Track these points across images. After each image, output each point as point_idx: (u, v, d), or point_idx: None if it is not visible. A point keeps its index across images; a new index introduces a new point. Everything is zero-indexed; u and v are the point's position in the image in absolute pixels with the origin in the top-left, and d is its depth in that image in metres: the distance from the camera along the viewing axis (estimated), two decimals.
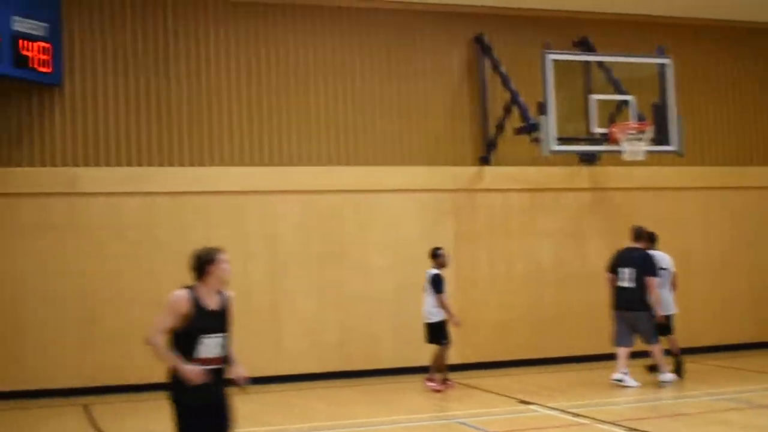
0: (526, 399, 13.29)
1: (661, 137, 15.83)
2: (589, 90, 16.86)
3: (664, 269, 14.77)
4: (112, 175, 15.49)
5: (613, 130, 15.63)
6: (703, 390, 13.86)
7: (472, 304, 16.62)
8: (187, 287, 7.36)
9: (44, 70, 14.73)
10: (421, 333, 14.68)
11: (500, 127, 16.99)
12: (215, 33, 16.23)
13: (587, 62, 17.27)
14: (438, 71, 17.39)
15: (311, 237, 16.32)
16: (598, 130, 15.73)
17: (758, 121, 19.42)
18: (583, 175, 17.86)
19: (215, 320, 7.32)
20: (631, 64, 16.67)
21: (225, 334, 7.39)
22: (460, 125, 17.43)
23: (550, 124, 15.14)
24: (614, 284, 14.53)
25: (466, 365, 16.20)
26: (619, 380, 14.10)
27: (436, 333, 14.50)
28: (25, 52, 14.39)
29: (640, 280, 14.23)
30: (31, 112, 15.33)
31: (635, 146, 15.48)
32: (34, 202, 15.17)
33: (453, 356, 15.19)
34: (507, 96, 16.72)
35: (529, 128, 15.85)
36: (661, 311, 14.47)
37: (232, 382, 7.48)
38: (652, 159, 16.59)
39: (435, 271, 14.56)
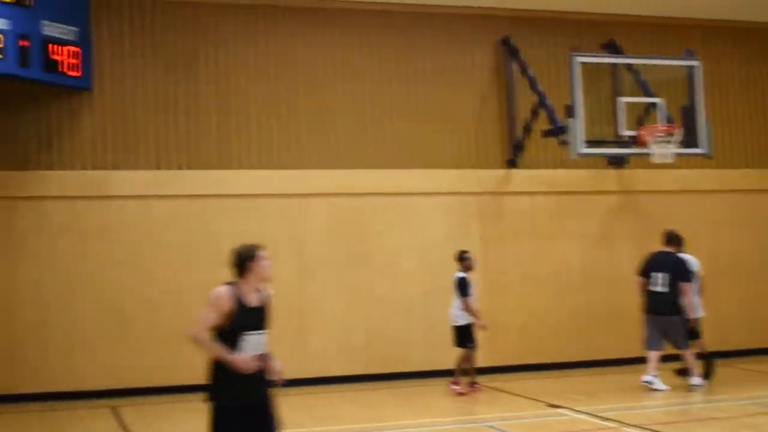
0: (555, 402, 13.25)
1: (689, 140, 15.75)
2: (617, 92, 16.78)
3: (692, 272, 14.69)
4: (141, 179, 15.56)
5: (642, 132, 15.57)
6: (732, 394, 13.77)
7: (499, 307, 16.58)
8: (229, 284, 7.34)
9: (74, 74, 14.82)
10: (448, 336, 14.66)
11: (528, 130, 16.96)
12: (243, 37, 16.27)
13: (615, 65, 17.20)
14: (465, 74, 17.37)
15: (338, 240, 16.34)
16: (627, 132, 15.65)
17: None
18: (611, 178, 17.79)
19: (257, 317, 7.32)
20: (660, 66, 16.60)
21: (266, 331, 7.39)
22: (488, 128, 17.40)
23: (578, 127, 15.08)
24: (646, 288, 14.44)
25: (493, 368, 16.15)
26: (649, 382, 14.03)
27: (462, 336, 14.48)
28: (54, 57, 14.49)
29: (673, 284, 14.15)
30: (60, 116, 15.43)
31: (664, 149, 15.41)
32: (64, 205, 15.26)
33: (480, 359, 15.16)
34: (534, 99, 16.67)
35: (557, 131, 15.80)
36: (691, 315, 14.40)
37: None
38: (681, 162, 16.51)
39: (461, 274, 14.53)
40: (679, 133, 15.53)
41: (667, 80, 16.64)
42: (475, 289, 14.60)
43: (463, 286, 14.40)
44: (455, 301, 14.48)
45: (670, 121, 15.92)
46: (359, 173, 16.54)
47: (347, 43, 16.80)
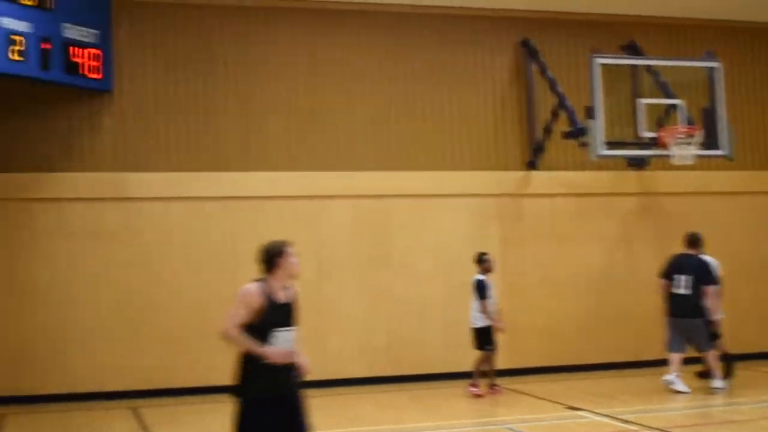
0: (575, 405, 13.20)
1: (710, 141, 15.70)
2: (637, 94, 16.75)
3: (715, 275, 14.62)
4: (161, 180, 15.61)
5: (662, 134, 15.53)
6: (753, 397, 13.71)
7: (519, 309, 16.53)
8: (257, 281, 7.36)
9: (94, 76, 14.88)
10: (468, 338, 14.63)
11: (547, 132, 16.92)
12: (263, 38, 16.31)
13: (635, 66, 17.16)
14: (485, 75, 17.35)
15: (358, 242, 16.34)
16: (647, 134, 15.61)
17: None
18: (632, 179, 17.74)
19: (286, 314, 7.35)
20: (680, 67, 16.55)
21: (295, 328, 7.42)
22: (508, 130, 17.37)
23: (598, 129, 15.05)
24: (668, 291, 14.37)
25: (513, 370, 16.11)
26: (669, 382, 13.97)
27: (481, 338, 14.45)
28: (75, 59, 14.56)
29: (696, 287, 14.09)
30: (80, 118, 15.50)
31: (684, 150, 15.36)
32: (83, 207, 15.32)
33: (500, 361, 15.13)
34: (554, 100, 16.64)
35: (577, 132, 15.76)
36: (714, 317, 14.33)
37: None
38: (701, 163, 16.45)
39: (479, 276, 14.51)
40: (699, 135, 15.48)
41: (688, 81, 16.60)
42: (494, 291, 14.58)
43: (481, 289, 14.38)
44: (474, 304, 14.47)
45: (690, 122, 15.88)
46: (379, 175, 16.54)
47: (369, 45, 16.80)
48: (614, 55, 16.62)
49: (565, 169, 17.37)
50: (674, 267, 14.43)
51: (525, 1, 17.19)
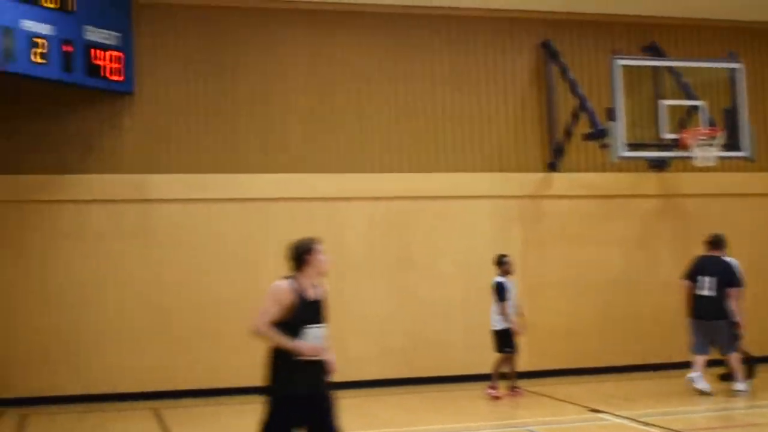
0: (596, 407, 13.15)
1: (732, 143, 15.62)
2: (658, 95, 16.66)
3: (739, 277, 14.54)
4: (182, 182, 15.65)
5: (684, 135, 15.46)
6: None
7: (540, 311, 16.47)
8: (287, 278, 7.39)
9: (116, 78, 14.96)
10: (488, 339, 14.61)
11: (568, 133, 16.89)
12: (282, 41, 16.34)
13: (656, 67, 17.09)
14: (505, 77, 17.33)
15: (379, 244, 16.35)
16: (668, 135, 15.54)
17: None
18: (653, 181, 17.68)
19: (316, 310, 7.39)
20: (702, 68, 16.48)
21: (324, 325, 7.44)
22: (528, 131, 17.35)
23: (619, 130, 15.01)
24: (692, 292, 14.29)
25: (534, 372, 16.08)
26: (692, 379, 13.90)
27: (501, 341, 14.43)
28: (97, 61, 14.64)
29: (720, 289, 14.02)
30: (101, 120, 15.57)
31: (706, 152, 15.29)
32: (104, 208, 15.39)
33: (522, 363, 15.10)
34: (575, 102, 16.61)
35: (598, 134, 15.71)
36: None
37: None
38: (723, 165, 16.36)
39: (499, 278, 14.48)
40: (721, 137, 15.40)
41: (709, 83, 16.53)
42: (514, 293, 14.54)
43: (500, 291, 14.35)
44: (494, 306, 14.44)
45: (712, 124, 15.81)
46: (401, 176, 16.54)
47: (389, 47, 16.82)
48: (635, 57, 16.59)
49: (586, 170, 17.33)
50: (698, 268, 14.35)
51: (545, 3, 17.16)
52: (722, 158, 15.66)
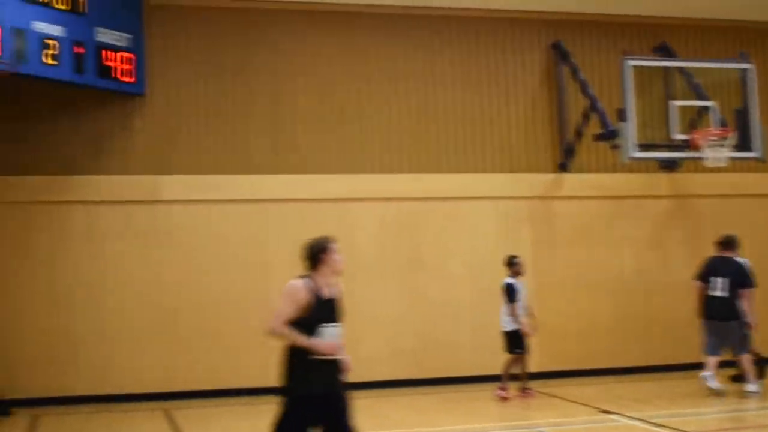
0: (607, 408, 13.13)
1: (742, 143, 15.59)
2: (669, 96, 16.62)
3: (752, 278, 14.50)
4: (193, 183, 15.67)
5: (695, 136, 15.43)
6: None
7: (551, 312, 16.45)
8: (303, 277, 7.41)
9: (127, 80, 14.99)
10: (499, 340, 14.60)
11: (579, 134, 16.87)
12: (295, 42, 16.35)
13: (667, 68, 17.05)
14: (516, 78, 17.32)
15: (389, 244, 16.35)
16: (679, 136, 15.51)
17: None
18: (664, 182, 17.65)
19: (331, 309, 7.41)
20: (712, 68, 16.45)
21: (340, 324, 7.46)
22: (539, 132, 17.34)
23: (630, 131, 14.99)
24: (704, 293, 14.26)
25: (545, 373, 16.07)
26: (705, 378, 13.87)
27: (510, 342, 14.41)
28: (108, 63, 14.67)
29: (733, 289, 13.98)
30: (113, 121, 15.61)
31: (717, 153, 15.26)
32: (116, 209, 15.42)
33: (533, 364, 15.08)
34: (585, 102, 16.59)
35: (609, 135, 15.69)
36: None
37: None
38: (734, 165, 16.33)
39: (509, 280, 14.46)
40: (732, 137, 15.37)
41: (720, 83, 16.49)
42: (525, 294, 14.53)
43: (510, 292, 14.33)
44: (504, 307, 14.43)
45: (723, 124, 15.78)
46: (410, 177, 16.54)
47: (400, 48, 16.82)
48: (646, 57, 16.57)
49: (597, 171, 17.31)
50: (710, 269, 14.31)
51: (556, 3, 17.15)
52: (733, 159, 15.63)
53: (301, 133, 16.26)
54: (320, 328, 7.24)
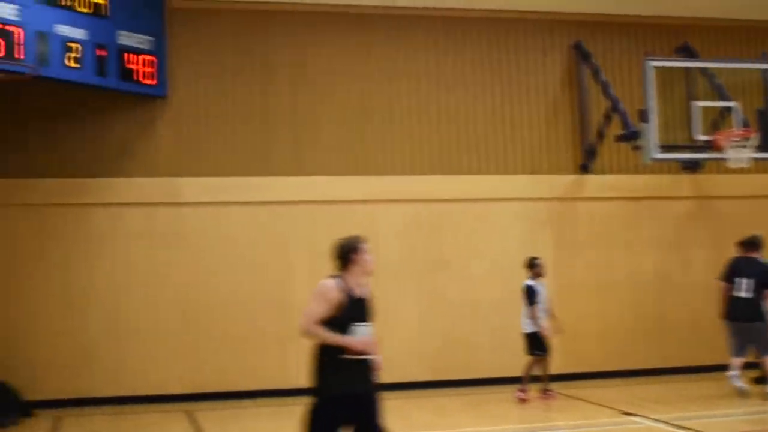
0: (629, 410, 13.10)
1: (765, 144, 15.50)
2: (691, 96, 16.57)
3: None
4: (215, 185, 15.71)
5: (717, 137, 15.36)
6: None
7: (572, 313, 16.38)
8: (334, 276, 7.43)
9: (149, 82, 15.05)
10: (520, 342, 14.57)
11: (600, 135, 16.83)
12: (316, 44, 16.36)
13: (689, 68, 17.00)
14: (537, 79, 17.29)
15: (412, 246, 16.34)
16: (701, 137, 15.45)
17: None
18: (686, 183, 17.59)
19: (362, 308, 7.43)
20: (735, 69, 16.38)
21: (371, 323, 7.48)
22: (560, 133, 17.31)
23: (652, 132, 14.94)
24: (728, 294, 14.19)
25: (567, 375, 16.02)
26: (731, 377, 13.82)
27: (531, 344, 14.39)
28: (130, 66, 14.74)
29: (758, 290, 13.91)
30: (135, 124, 15.66)
31: (740, 153, 15.20)
32: (138, 211, 15.47)
33: (555, 366, 15.03)
34: (607, 103, 16.55)
35: (631, 136, 15.63)
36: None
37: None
38: (756, 166, 16.27)
39: (529, 282, 14.43)
40: (755, 138, 15.30)
41: (743, 83, 16.42)
42: (546, 296, 14.50)
43: (530, 294, 14.30)
44: (524, 309, 14.41)
45: (745, 125, 15.71)
46: (433, 180, 16.53)
47: (422, 50, 16.80)
48: (668, 58, 16.52)
49: (618, 172, 17.26)
50: (735, 270, 14.24)
51: (577, 4, 17.12)
52: (756, 159, 15.55)
53: (325, 134, 16.26)
54: (352, 328, 7.26)
